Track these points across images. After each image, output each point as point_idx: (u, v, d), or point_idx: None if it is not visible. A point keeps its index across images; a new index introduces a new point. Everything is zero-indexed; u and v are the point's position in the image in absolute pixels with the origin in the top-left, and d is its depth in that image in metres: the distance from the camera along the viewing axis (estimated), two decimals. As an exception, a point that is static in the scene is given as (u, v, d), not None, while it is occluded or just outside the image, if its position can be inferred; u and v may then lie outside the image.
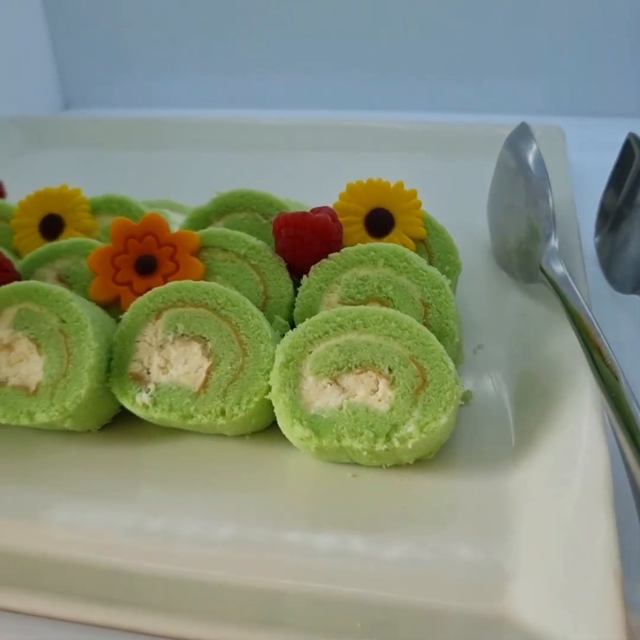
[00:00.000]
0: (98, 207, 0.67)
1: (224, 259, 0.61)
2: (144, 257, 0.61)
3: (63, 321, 0.56)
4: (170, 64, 1.11)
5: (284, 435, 0.54)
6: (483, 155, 0.82)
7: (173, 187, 0.85)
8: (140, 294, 0.59)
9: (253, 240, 0.61)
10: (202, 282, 0.57)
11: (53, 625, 0.45)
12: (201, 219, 0.66)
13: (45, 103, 1.11)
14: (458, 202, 0.77)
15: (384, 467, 0.54)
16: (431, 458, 0.55)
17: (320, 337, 0.54)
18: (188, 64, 1.11)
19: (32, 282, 0.58)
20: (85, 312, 0.56)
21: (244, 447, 0.57)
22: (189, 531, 0.51)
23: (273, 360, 0.54)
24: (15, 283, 0.58)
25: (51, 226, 0.66)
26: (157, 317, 0.57)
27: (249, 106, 1.07)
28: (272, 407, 0.55)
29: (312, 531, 0.51)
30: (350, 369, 0.53)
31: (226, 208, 0.66)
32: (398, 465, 0.54)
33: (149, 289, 0.59)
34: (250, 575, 0.48)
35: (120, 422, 0.59)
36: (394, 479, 0.54)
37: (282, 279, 0.60)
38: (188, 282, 0.57)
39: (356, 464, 0.54)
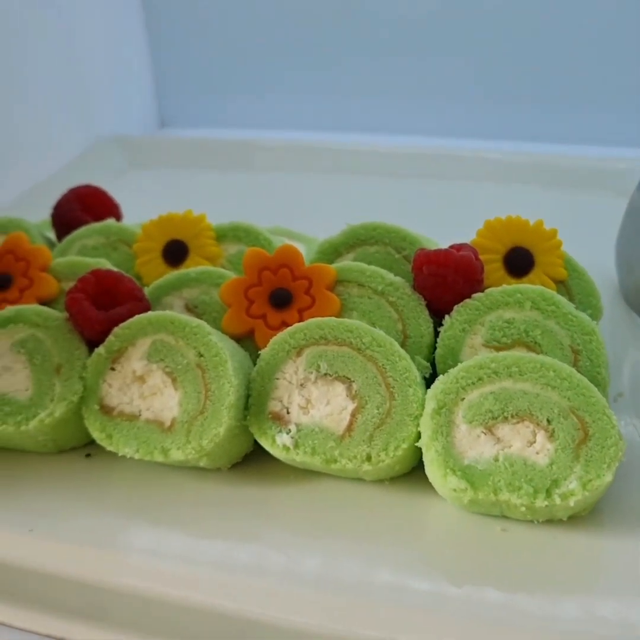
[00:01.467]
0: (223, 234, 0.66)
1: (360, 295, 0.59)
2: (278, 290, 0.59)
3: (201, 355, 0.54)
4: (262, 85, 1.10)
5: (424, 481, 0.52)
6: (602, 189, 0.79)
7: (275, 212, 0.84)
8: (275, 328, 0.57)
9: (390, 276, 0.59)
10: (346, 320, 0.55)
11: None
12: (331, 251, 0.64)
13: (143, 121, 1.11)
14: (579, 239, 0.74)
15: (535, 522, 0.51)
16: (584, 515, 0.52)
17: (473, 383, 0.52)
18: (281, 86, 1.10)
19: (168, 313, 0.56)
20: (224, 347, 0.54)
21: (382, 492, 0.54)
22: (317, 576, 0.49)
23: (422, 405, 0.52)
24: (151, 313, 0.56)
25: (175, 252, 0.65)
26: (298, 354, 0.55)
27: (349, 130, 1.05)
28: (418, 454, 0.52)
29: (454, 585, 0.48)
30: (505, 418, 0.50)
31: (357, 240, 0.64)
32: (550, 521, 0.51)
33: (284, 323, 0.58)
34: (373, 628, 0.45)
35: (250, 461, 0.57)
36: (547, 535, 0.51)
37: (421, 318, 0.58)
38: (331, 319, 0.55)
39: (505, 517, 0.52)
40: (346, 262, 0.60)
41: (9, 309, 0.59)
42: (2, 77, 0.88)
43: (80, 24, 0.97)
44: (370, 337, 0.54)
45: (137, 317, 0.56)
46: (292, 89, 1.09)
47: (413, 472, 0.54)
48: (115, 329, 0.56)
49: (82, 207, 0.70)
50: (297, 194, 0.92)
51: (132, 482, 0.56)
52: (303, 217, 0.77)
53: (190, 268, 0.62)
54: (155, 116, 1.13)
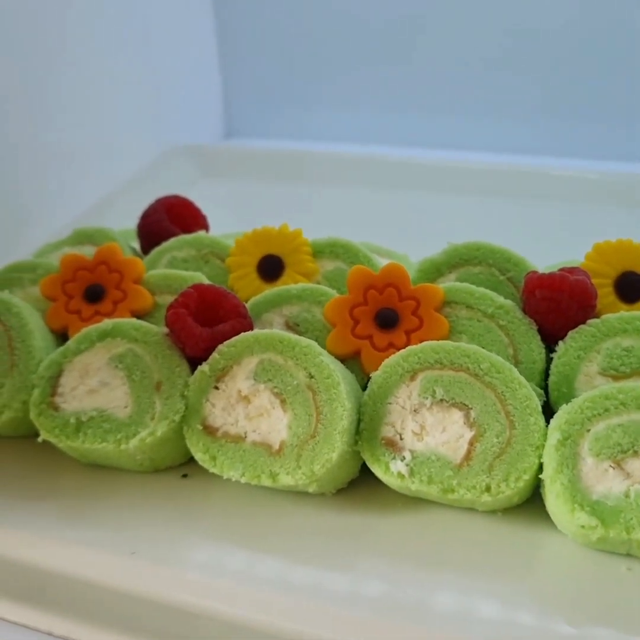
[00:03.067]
0: (320, 251, 0.64)
1: (469, 317, 0.57)
2: (385, 310, 0.57)
3: (311, 376, 0.52)
4: (328, 98, 1.09)
5: (538, 513, 0.50)
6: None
7: (349, 226, 0.82)
8: (382, 350, 0.56)
9: (500, 298, 0.57)
10: (462, 344, 0.53)
11: None
12: (432, 270, 0.62)
13: (210, 131, 1.10)
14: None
15: (663, 562, 0.49)
16: None
17: (599, 414, 0.49)
18: (346, 99, 1.08)
19: (276, 331, 0.54)
20: (336, 368, 0.52)
21: (494, 523, 0.52)
22: (415, 609, 0.46)
23: (544, 435, 0.50)
24: (257, 331, 0.55)
25: (270, 267, 0.63)
26: (412, 378, 0.53)
27: (418, 145, 1.04)
28: (537, 486, 0.50)
29: (571, 624, 0.46)
30: (635, 452, 0.48)
31: (459, 260, 0.62)
32: (680, 562, 0.49)
33: (391, 345, 0.56)
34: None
35: (355, 487, 0.55)
36: (677, 577, 0.49)
37: (533, 343, 0.56)
38: (446, 343, 0.53)
39: (630, 555, 0.50)
40: (454, 283, 0.58)
41: (106, 322, 0.57)
42: (81, 85, 0.87)
43: (154, 34, 0.96)
44: (489, 363, 0.52)
45: (243, 334, 0.55)
46: (358, 102, 1.08)
47: (526, 503, 0.52)
48: (220, 347, 0.55)
49: (170, 217, 0.68)
50: (368, 208, 0.90)
51: (230, 505, 0.54)
52: (377, 233, 0.75)
53: (291, 285, 0.60)
54: (222, 126, 1.12)
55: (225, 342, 0.55)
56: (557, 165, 0.95)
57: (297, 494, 0.54)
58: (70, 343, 0.57)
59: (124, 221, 0.76)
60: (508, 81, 1.03)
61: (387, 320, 0.56)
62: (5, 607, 0.48)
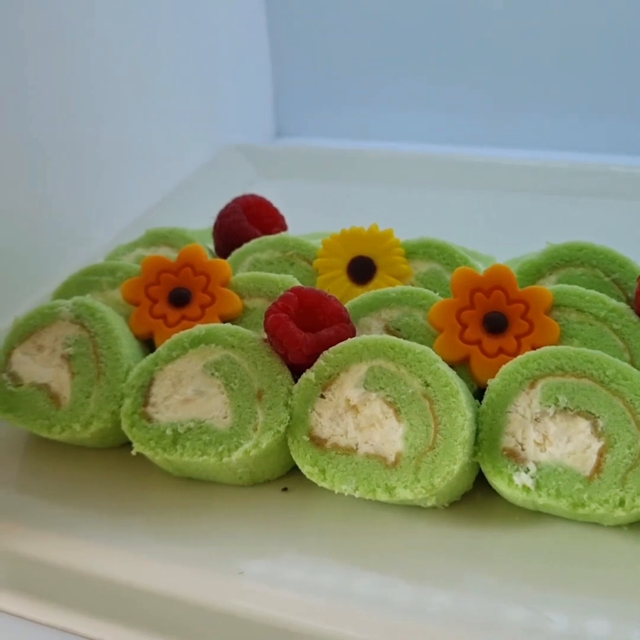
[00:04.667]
0: (413, 251, 0.61)
1: (580, 321, 0.54)
2: (493, 314, 0.54)
3: (427, 385, 0.50)
4: (376, 98, 1.07)
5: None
6: None
7: (411, 225, 0.79)
8: (492, 356, 0.53)
9: (613, 301, 0.54)
10: (585, 349, 0.50)
11: None
12: (533, 272, 0.59)
13: (261, 131, 1.07)
14: None
15: None
16: None
17: None
18: (394, 98, 1.06)
19: (387, 337, 0.51)
20: (454, 376, 0.50)
21: (621, 539, 0.49)
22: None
23: (678, 446, 0.47)
24: (366, 337, 0.52)
25: (361, 269, 0.60)
26: (532, 385, 0.50)
27: (467, 144, 1.01)
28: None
29: None
30: None
31: (560, 261, 0.59)
32: None
33: (501, 350, 0.53)
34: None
35: (469, 499, 0.52)
36: None
37: (651, 348, 0.53)
38: (567, 348, 0.50)
39: None
40: (562, 286, 0.56)
41: (199, 328, 0.54)
42: (140, 85, 0.85)
43: (207, 34, 0.94)
44: (615, 369, 0.49)
45: (350, 340, 0.52)
46: (408, 103, 1.05)
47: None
48: (325, 353, 0.52)
49: (248, 217, 0.65)
50: (430, 207, 0.88)
51: (333, 519, 0.52)
52: (441, 232, 0.72)
53: (389, 287, 0.57)
54: (273, 126, 1.10)
55: (331, 349, 0.52)
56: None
57: (406, 507, 0.52)
58: (160, 350, 0.54)
59: (185, 222, 0.73)
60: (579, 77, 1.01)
61: (496, 324, 0.54)
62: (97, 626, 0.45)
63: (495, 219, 0.81)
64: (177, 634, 0.44)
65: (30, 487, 0.56)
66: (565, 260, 0.59)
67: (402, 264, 0.60)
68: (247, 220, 0.65)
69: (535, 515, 0.51)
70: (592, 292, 0.55)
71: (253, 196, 0.67)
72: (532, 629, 0.44)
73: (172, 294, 0.58)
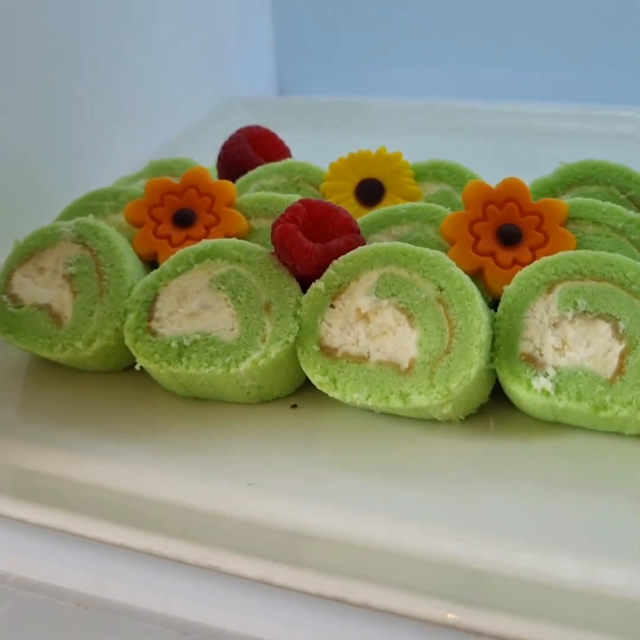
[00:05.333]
0: (423, 173, 0.59)
1: (596, 233, 0.53)
2: (507, 226, 0.52)
3: (441, 289, 0.48)
4: (377, 55, 1.06)
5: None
6: None
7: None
8: (507, 267, 0.51)
9: (630, 213, 0.53)
10: (603, 253, 0.48)
11: None
12: (545, 192, 0.57)
13: (263, 87, 1.06)
14: None
15: None
16: None
17: None
18: (395, 54, 1.05)
19: (398, 244, 0.50)
20: (468, 280, 0.48)
21: (643, 448, 0.48)
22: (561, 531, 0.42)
23: (703, 346, 0.46)
24: (377, 244, 0.50)
25: (369, 191, 0.59)
26: (549, 291, 0.48)
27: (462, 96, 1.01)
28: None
29: None
30: None
31: (574, 180, 0.58)
32: None
33: (516, 261, 0.51)
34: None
35: (485, 412, 0.50)
36: None
37: (671, 257, 0.52)
38: (585, 252, 0.49)
39: None
40: (577, 198, 0.54)
41: (205, 242, 0.53)
42: (144, 36, 0.84)
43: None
44: (635, 272, 0.47)
45: (360, 249, 0.50)
46: (409, 58, 1.04)
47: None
48: (335, 262, 0.50)
49: (254, 148, 0.64)
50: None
51: (345, 436, 0.50)
52: None
53: (399, 205, 0.56)
54: (275, 83, 1.09)
55: (341, 257, 0.50)
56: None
57: (420, 422, 0.50)
58: (165, 266, 0.53)
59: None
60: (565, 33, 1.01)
61: (510, 236, 0.52)
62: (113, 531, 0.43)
63: (499, 165, 0.79)
64: (181, 536, 0.42)
65: (32, 409, 0.54)
66: (579, 178, 0.58)
67: (411, 185, 0.59)
68: (252, 150, 0.64)
69: (554, 426, 0.49)
70: (608, 204, 0.53)
71: (258, 127, 0.66)
72: (551, 538, 0.42)
73: (177, 215, 0.57)
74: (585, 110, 0.90)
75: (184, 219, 0.56)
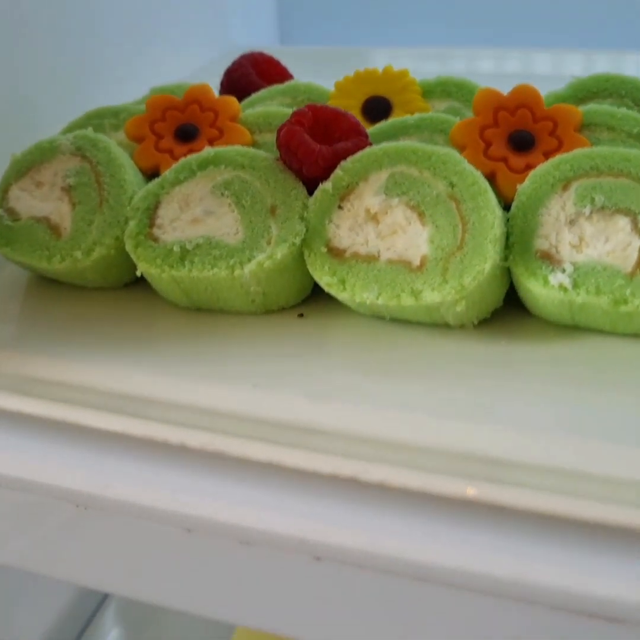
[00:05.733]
0: (430, 90, 0.58)
1: (611, 139, 0.51)
2: (519, 132, 0.51)
3: (453, 185, 0.46)
4: (377, 4, 1.05)
5: None
6: None
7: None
8: (519, 172, 0.49)
9: (646, 118, 0.52)
10: (620, 149, 0.47)
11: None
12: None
13: (265, 38, 1.05)
14: None
15: None
16: None
17: None
18: (394, 4, 1.04)
19: (408, 142, 0.48)
20: (481, 176, 0.46)
21: (662, 349, 0.46)
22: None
23: None
24: (386, 144, 0.49)
25: (376, 108, 0.57)
26: (564, 188, 0.47)
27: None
28: None
29: None
30: None
31: (587, 94, 0.56)
32: None
33: (528, 166, 0.50)
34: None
35: (499, 318, 0.48)
36: None
37: (688, 162, 0.50)
38: (602, 148, 0.47)
39: None
40: (591, 105, 0.52)
41: (208, 150, 0.51)
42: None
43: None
44: (652, 166, 0.46)
45: (369, 149, 0.49)
46: (409, 11, 1.03)
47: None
48: (343, 163, 0.49)
49: (257, 74, 0.63)
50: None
51: (354, 343, 0.48)
52: None
53: (407, 116, 0.54)
54: (276, 33, 1.08)
55: (349, 158, 0.49)
56: None
57: (432, 328, 0.48)
58: (167, 173, 0.51)
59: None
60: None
61: (522, 142, 0.51)
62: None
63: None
64: (184, 423, 0.40)
65: (31, 323, 0.52)
66: (592, 91, 0.56)
67: (419, 102, 0.57)
68: (255, 75, 0.62)
69: (571, 331, 0.47)
70: (623, 110, 0.52)
71: (261, 53, 0.65)
72: (570, 428, 0.40)
73: (178, 130, 0.55)
74: (590, 54, 0.89)
75: (186, 134, 0.55)
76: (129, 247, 0.49)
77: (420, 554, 0.35)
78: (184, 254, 0.48)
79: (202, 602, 0.42)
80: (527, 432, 0.40)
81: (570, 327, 0.47)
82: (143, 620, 0.89)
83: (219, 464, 0.38)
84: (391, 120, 0.54)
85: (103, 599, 0.91)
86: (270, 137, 0.55)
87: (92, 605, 0.88)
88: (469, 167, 0.47)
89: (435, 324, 0.48)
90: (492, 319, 0.48)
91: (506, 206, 0.50)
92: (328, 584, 0.38)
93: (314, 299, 0.51)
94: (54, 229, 0.52)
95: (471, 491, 0.34)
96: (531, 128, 0.51)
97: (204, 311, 0.51)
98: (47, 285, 0.55)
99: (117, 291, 0.54)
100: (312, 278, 0.49)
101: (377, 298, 0.45)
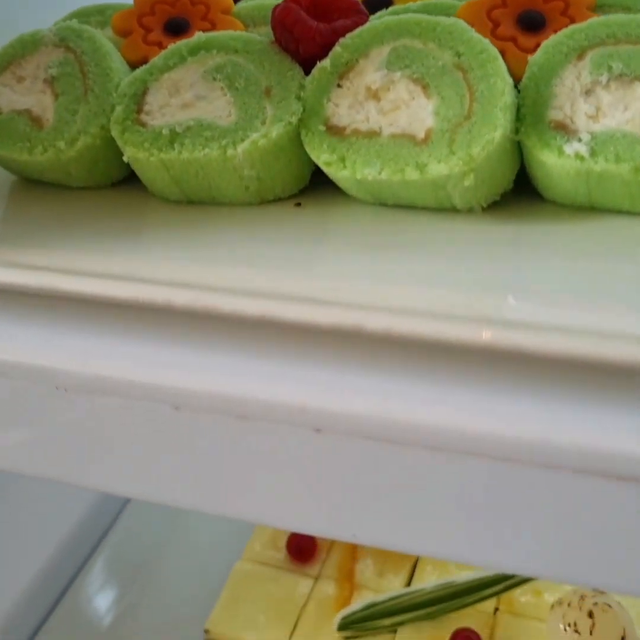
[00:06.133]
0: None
1: (627, 20, 0.48)
2: (529, 12, 0.48)
3: (459, 55, 0.43)
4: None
5: None
6: None
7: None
8: (529, 51, 0.46)
9: (662, -1, 0.49)
10: (638, 15, 0.44)
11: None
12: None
13: None
14: None
15: None
16: None
17: None
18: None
19: (410, 14, 0.46)
20: (490, 43, 0.44)
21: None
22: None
23: None
24: (388, 18, 0.46)
25: (379, 4, 0.54)
26: (579, 57, 0.44)
27: None
28: None
29: None
30: None
31: None
32: None
33: (538, 46, 0.47)
34: None
35: (509, 202, 0.45)
36: None
37: None
38: (619, 16, 0.44)
39: None
40: (603, -15, 0.50)
41: (199, 35, 0.48)
42: None
43: None
44: (676, 35, 0.43)
45: (369, 23, 0.46)
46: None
47: None
48: (342, 40, 0.46)
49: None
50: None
51: (355, 227, 0.45)
52: None
53: (409, 3, 0.51)
54: None
55: (349, 34, 0.46)
56: None
57: (439, 212, 0.45)
58: (155, 60, 0.48)
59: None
60: None
61: (532, 22, 0.47)
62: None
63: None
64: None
65: (15, 223, 0.49)
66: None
67: (423, -7, 0.54)
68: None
69: (586, 212, 0.44)
70: (638, -9, 0.49)
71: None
72: (586, 297, 0.37)
73: (168, 24, 0.52)
74: None
75: (176, 27, 0.52)
76: (115, 133, 0.46)
77: (435, 418, 0.32)
78: (174, 137, 0.45)
79: (193, 492, 0.39)
80: (541, 299, 0.37)
81: (585, 209, 0.44)
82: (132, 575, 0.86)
83: (208, 327, 0.35)
84: (393, 8, 0.51)
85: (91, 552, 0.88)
86: (266, 31, 0.52)
87: (79, 561, 0.85)
88: (477, 36, 0.44)
89: (442, 207, 0.45)
90: (501, 202, 0.45)
91: (516, 85, 0.47)
92: (329, 459, 0.35)
93: (311, 189, 0.48)
94: (36, 121, 0.49)
95: (487, 334, 0.31)
96: (541, 8, 0.48)
97: (196, 205, 0.48)
98: (33, 187, 0.52)
99: (105, 190, 0.51)
100: (309, 164, 0.46)
101: (380, 173, 0.42)
